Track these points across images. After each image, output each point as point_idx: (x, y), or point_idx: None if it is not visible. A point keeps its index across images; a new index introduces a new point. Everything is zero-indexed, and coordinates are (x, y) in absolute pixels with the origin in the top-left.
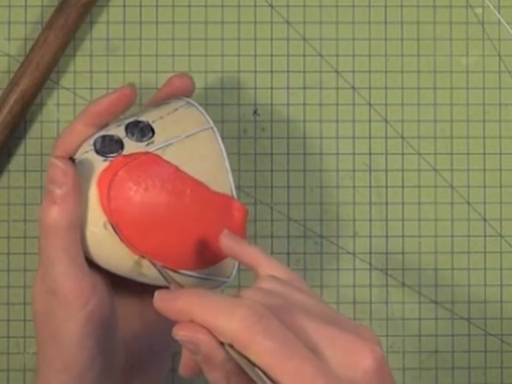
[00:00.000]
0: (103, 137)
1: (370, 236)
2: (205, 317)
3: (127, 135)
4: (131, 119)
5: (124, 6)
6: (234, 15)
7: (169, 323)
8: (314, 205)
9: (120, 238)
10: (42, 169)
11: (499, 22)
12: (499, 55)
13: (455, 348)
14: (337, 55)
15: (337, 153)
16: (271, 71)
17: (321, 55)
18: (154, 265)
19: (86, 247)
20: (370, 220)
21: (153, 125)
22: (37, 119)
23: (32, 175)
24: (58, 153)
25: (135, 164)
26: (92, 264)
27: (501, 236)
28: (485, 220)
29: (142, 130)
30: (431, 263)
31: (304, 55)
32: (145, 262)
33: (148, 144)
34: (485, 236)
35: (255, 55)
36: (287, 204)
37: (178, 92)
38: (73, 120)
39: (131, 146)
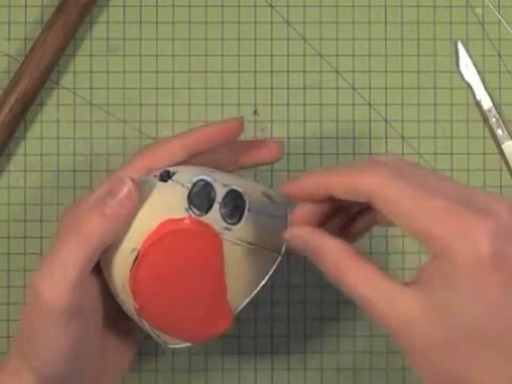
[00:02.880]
0: (205, 183)
1: (370, 236)
2: (341, 179)
3: (222, 201)
4: (235, 187)
5: (124, 6)
6: (234, 15)
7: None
8: None
9: (131, 290)
10: (42, 169)
11: (499, 22)
12: (499, 55)
13: None
14: (337, 55)
15: (337, 153)
16: (271, 71)
17: (321, 55)
18: None
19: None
20: None
21: (245, 213)
22: (37, 119)
23: (32, 175)
24: (145, 162)
25: (191, 237)
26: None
27: None
28: None
29: (235, 208)
30: None
31: (304, 55)
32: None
33: (226, 228)
34: None
35: (255, 55)
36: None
37: (263, 161)
38: (172, 137)
39: (214, 215)
